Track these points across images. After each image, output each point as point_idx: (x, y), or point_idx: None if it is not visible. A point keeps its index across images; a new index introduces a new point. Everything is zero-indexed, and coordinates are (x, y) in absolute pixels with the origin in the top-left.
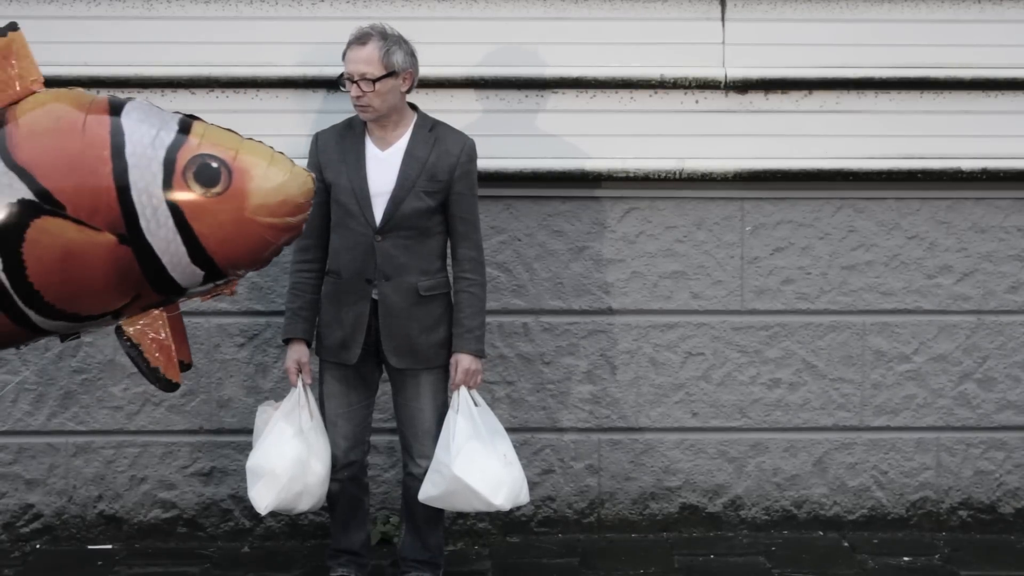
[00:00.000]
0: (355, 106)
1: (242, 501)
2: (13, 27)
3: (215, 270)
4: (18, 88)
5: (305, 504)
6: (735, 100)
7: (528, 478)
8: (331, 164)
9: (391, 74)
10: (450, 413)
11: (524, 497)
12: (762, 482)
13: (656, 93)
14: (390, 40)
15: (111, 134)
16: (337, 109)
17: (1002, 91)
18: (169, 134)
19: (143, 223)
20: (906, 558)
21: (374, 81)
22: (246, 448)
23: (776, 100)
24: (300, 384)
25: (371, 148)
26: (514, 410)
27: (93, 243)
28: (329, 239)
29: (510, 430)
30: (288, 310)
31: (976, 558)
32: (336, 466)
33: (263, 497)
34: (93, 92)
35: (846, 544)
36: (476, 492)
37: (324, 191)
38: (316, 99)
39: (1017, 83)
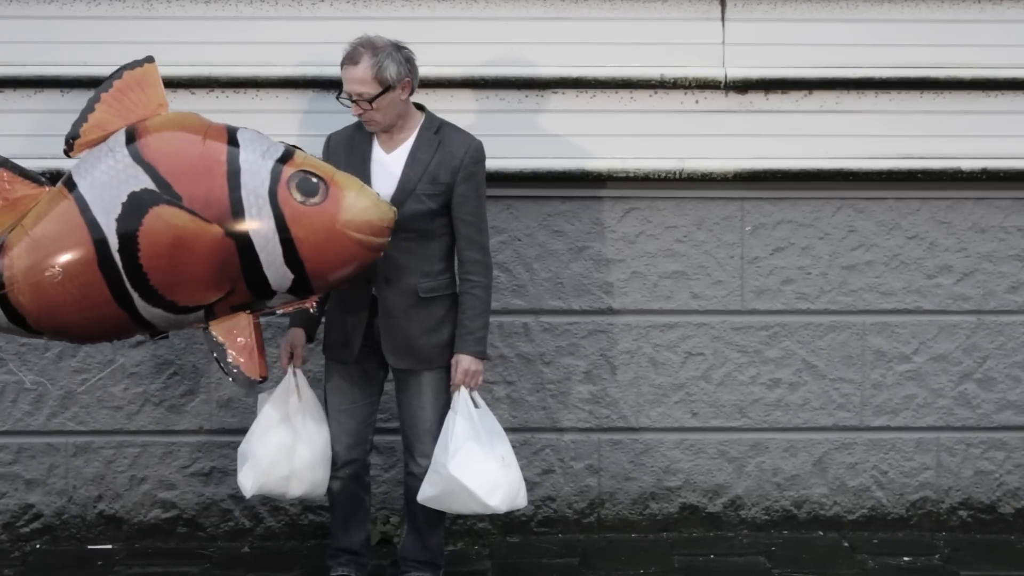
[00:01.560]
0: (362, 120)
1: (242, 501)
2: (149, 59)
3: (303, 276)
4: (142, 112)
5: (297, 489)
6: (735, 100)
7: (528, 478)
8: (339, 166)
9: (387, 89)
10: (449, 414)
11: (522, 500)
12: (762, 482)
13: (656, 93)
14: (382, 54)
15: (228, 143)
16: (337, 109)
17: (1002, 91)
18: (278, 151)
19: (247, 219)
20: (906, 558)
21: (371, 100)
22: None
23: (776, 100)
24: (290, 369)
25: (377, 151)
26: (514, 410)
27: (202, 232)
28: None
29: (510, 430)
30: None
31: (976, 558)
32: (337, 463)
33: (246, 479)
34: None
35: (846, 544)
36: (472, 493)
37: None
38: (316, 99)
39: (1017, 83)
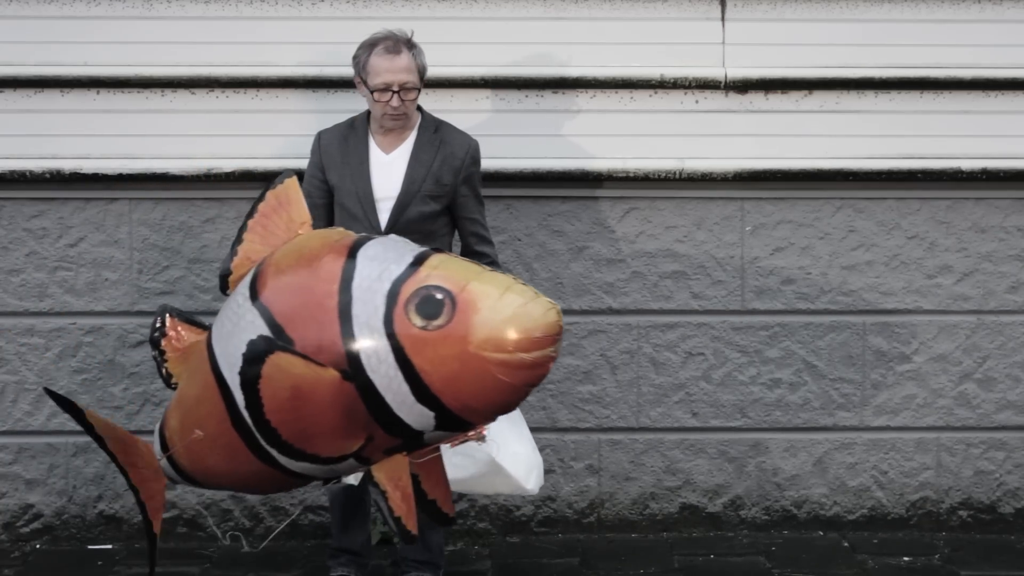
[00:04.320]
0: (389, 116)
1: (242, 501)
2: (289, 174)
3: (445, 411)
4: (285, 235)
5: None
6: (735, 100)
7: None
8: (334, 166)
9: (422, 79)
10: None
11: (541, 481)
12: (762, 482)
13: (656, 93)
14: (415, 46)
15: (343, 268)
16: (337, 109)
17: (1002, 91)
18: (399, 267)
19: (364, 359)
20: (906, 558)
21: (416, 89)
22: None
23: (776, 100)
24: None
25: (375, 151)
26: None
27: (319, 380)
28: None
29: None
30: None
31: (976, 558)
32: None
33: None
34: (343, 231)
35: (846, 544)
36: (510, 476)
37: (327, 193)
38: (316, 99)
39: (1017, 83)
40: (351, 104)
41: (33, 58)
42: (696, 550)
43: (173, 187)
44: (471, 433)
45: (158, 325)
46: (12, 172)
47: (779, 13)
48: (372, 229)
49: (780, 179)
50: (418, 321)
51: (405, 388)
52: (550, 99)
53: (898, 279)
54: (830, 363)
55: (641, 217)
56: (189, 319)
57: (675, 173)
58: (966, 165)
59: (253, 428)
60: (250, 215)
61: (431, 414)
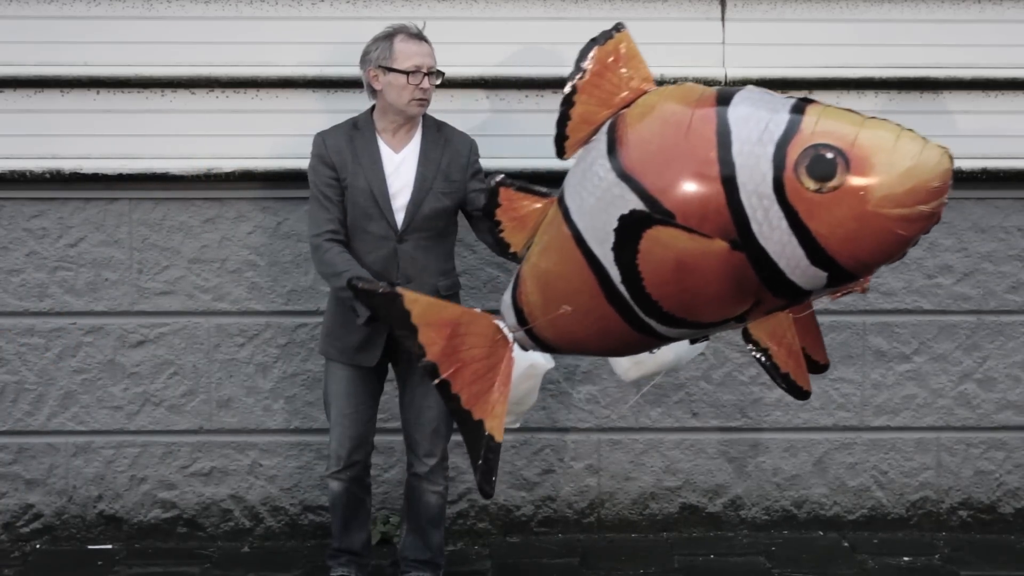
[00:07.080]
0: (416, 101)
1: (242, 501)
2: (619, 27)
3: (839, 270)
4: (627, 93)
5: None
6: None
7: (528, 478)
8: (344, 166)
9: None
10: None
11: None
12: (762, 482)
13: None
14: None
15: (717, 133)
16: (337, 108)
17: (1002, 91)
18: (779, 126)
19: (755, 227)
20: (906, 558)
21: (438, 75)
22: (246, 447)
23: None
24: None
25: (385, 149)
26: None
27: (705, 251)
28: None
29: (510, 430)
30: (353, 282)
31: (976, 558)
32: (340, 465)
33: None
34: (701, 86)
35: (846, 544)
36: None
37: (342, 191)
38: (316, 99)
39: (1017, 83)
40: (351, 104)
41: (33, 58)
42: (696, 550)
43: (173, 187)
44: (855, 285)
45: (493, 198)
46: (12, 172)
47: (779, 13)
48: (389, 227)
49: None
50: (811, 184)
51: (800, 253)
52: (550, 99)
53: (898, 279)
54: (830, 363)
55: None
56: (524, 188)
57: None
58: (966, 165)
59: (631, 302)
60: (577, 75)
61: (824, 275)
